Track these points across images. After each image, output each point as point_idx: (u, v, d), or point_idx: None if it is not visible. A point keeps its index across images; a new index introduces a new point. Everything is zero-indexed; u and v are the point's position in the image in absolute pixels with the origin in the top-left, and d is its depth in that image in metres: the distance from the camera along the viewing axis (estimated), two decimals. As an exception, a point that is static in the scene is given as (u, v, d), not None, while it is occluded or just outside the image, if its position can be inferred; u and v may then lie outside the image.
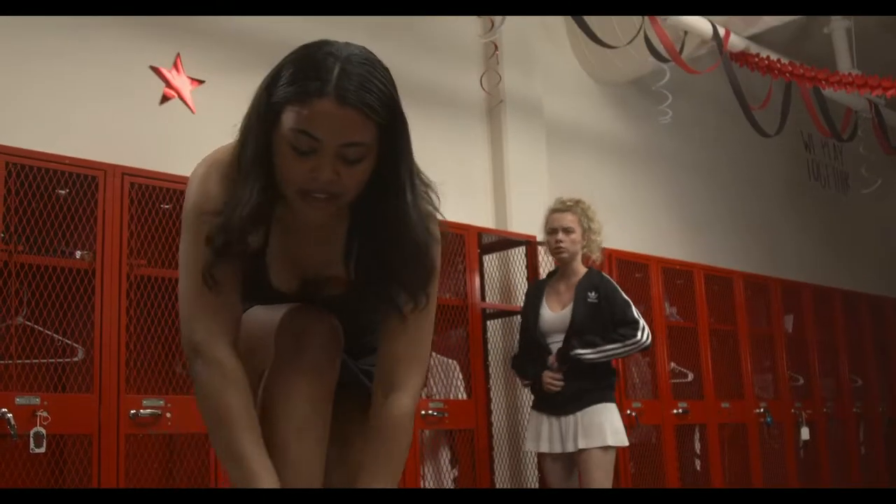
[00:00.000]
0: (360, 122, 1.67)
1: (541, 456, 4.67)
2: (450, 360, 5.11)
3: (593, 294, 4.57)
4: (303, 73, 1.68)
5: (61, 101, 4.19)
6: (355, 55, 1.71)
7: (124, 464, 3.60)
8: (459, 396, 5.05)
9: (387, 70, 1.74)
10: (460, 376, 5.10)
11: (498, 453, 5.25)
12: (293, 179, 1.72)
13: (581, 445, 4.38)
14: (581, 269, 4.70)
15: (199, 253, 1.83)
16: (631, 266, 6.02)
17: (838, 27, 7.42)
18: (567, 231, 4.64)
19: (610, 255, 5.82)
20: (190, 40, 4.63)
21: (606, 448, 4.37)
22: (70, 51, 4.23)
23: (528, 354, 4.68)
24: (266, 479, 1.77)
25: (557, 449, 4.49)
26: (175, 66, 4.58)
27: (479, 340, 5.18)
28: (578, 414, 4.43)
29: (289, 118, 1.67)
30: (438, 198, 1.94)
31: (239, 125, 1.81)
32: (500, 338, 5.61)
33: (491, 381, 5.32)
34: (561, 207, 4.70)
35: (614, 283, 4.73)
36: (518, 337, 4.93)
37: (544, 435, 4.54)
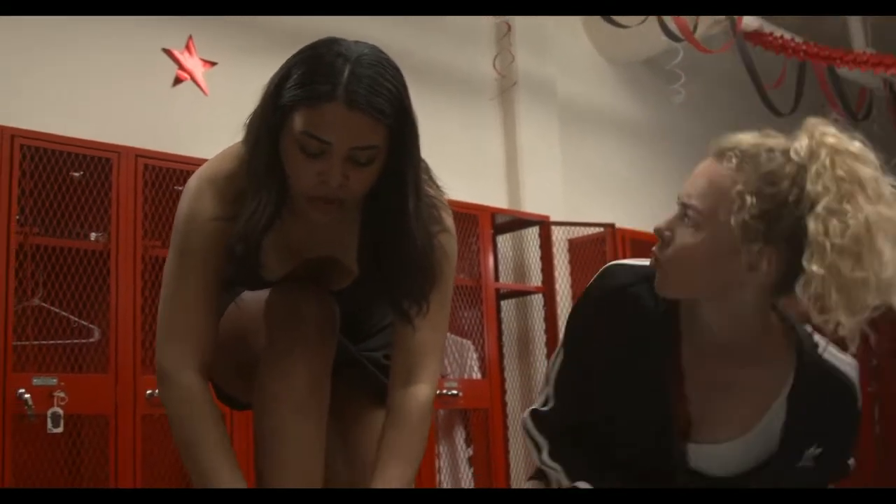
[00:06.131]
0: (370, 125, 1.65)
1: None
2: (464, 340, 5.12)
3: None
4: (312, 75, 1.66)
5: (74, 83, 4.20)
6: (365, 56, 1.68)
7: (141, 444, 3.62)
8: (474, 376, 5.06)
9: (397, 70, 1.72)
10: (475, 356, 5.11)
11: (513, 432, 5.26)
12: (303, 183, 1.71)
13: None
14: None
15: (180, 272, 1.86)
16: (644, 246, 5.97)
17: (853, 5, 7.38)
18: None
19: (623, 234, 5.82)
20: (202, 22, 4.63)
21: None
22: (82, 34, 4.24)
23: None
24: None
25: None
26: (187, 48, 4.58)
27: (493, 320, 5.18)
28: None
29: (298, 121, 1.66)
30: (444, 201, 1.94)
31: (245, 124, 1.80)
32: (514, 318, 5.62)
33: (505, 361, 5.32)
34: None
35: None
36: None
37: None
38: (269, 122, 1.72)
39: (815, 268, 1.55)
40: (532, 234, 5.69)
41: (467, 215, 5.08)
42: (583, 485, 1.86)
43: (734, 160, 1.65)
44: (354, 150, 1.66)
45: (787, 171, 1.61)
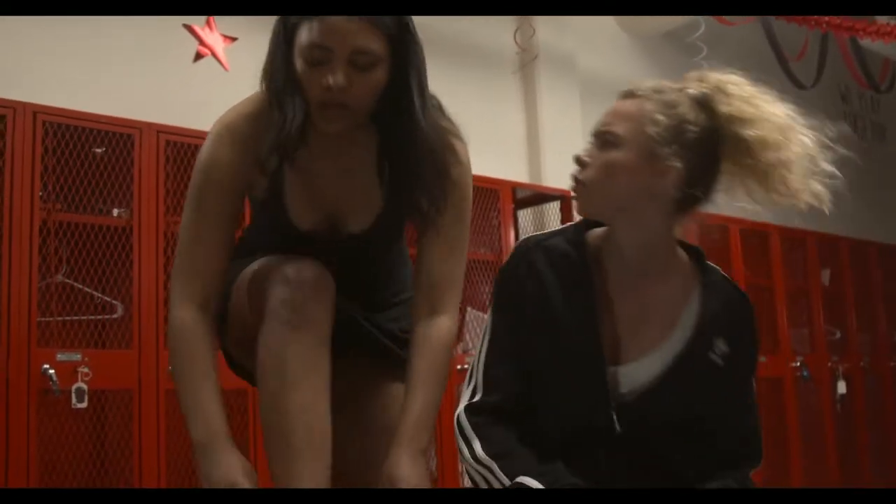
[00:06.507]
0: (369, 30, 1.77)
1: None
2: (485, 315, 5.12)
3: None
4: None
5: (96, 60, 4.21)
6: None
7: (164, 419, 3.64)
8: (495, 351, 5.06)
9: None
10: (495, 331, 5.11)
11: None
12: (312, 93, 1.81)
13: None
14: None
15: (194, 213, 1.96)
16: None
17: (876, -24, 7.31)
18: None
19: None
20: (222, -3, 4.63)
21: None
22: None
23: None
24: (217, 423, 1.83)
25: None
26: (207, 23, 4.58)
27: (513, 296, 5.17)
28: None
29: (303, 36, 1.79)
30: (459, 134, 2.03)
31: (263, 68, 1.92)
32: (534, 293, 5.61)
33: (526, 336, 5.32)
34: None
35: None
36: None
37: None
38: (281, 46, 1.85)
39: (770, 158, 1.92)
40: (553, 208, 5.68)
41: (488, 189, 5.08)
42: (529, 481, 1.81)
43: (642, 94, 1.95)
44: (355, 55, 1.77)
45: (684, 100, 1.93)
